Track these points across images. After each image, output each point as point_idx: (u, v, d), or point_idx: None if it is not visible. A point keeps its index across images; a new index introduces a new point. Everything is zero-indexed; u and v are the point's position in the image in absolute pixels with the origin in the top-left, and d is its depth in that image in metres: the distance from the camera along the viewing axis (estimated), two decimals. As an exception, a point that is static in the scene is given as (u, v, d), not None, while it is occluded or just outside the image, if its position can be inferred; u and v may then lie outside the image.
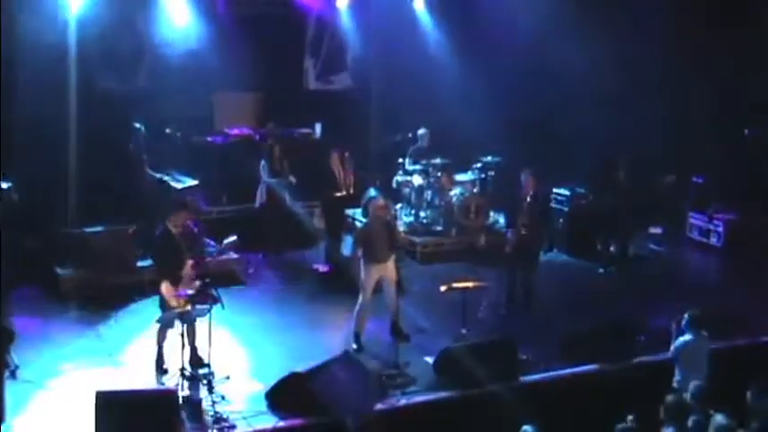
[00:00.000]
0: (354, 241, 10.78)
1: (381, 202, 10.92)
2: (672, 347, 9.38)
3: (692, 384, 8.10)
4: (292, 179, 13.57)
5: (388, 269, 10.53)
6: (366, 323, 10.56)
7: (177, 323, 9.41)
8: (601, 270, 13.23)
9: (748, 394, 7.81)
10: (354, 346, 10.39)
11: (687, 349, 9.27)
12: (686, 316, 9.30)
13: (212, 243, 12.36)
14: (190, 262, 9.61)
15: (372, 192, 11.78)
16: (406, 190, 14.39)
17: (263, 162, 13.41)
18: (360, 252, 10.52)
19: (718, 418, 7.41)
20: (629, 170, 13.23)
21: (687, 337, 9.27)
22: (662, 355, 9.81)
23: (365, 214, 10.40)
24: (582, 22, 14.13)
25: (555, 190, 14.15)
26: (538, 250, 11.72)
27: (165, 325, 9.56)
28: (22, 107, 11.95)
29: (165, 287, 9.47)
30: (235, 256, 12.48)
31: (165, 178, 12.81)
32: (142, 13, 13.39)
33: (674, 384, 9.18)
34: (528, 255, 11.41)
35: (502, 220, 13.11)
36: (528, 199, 11.33)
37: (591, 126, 14.17)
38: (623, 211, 13.27)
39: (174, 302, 9.41)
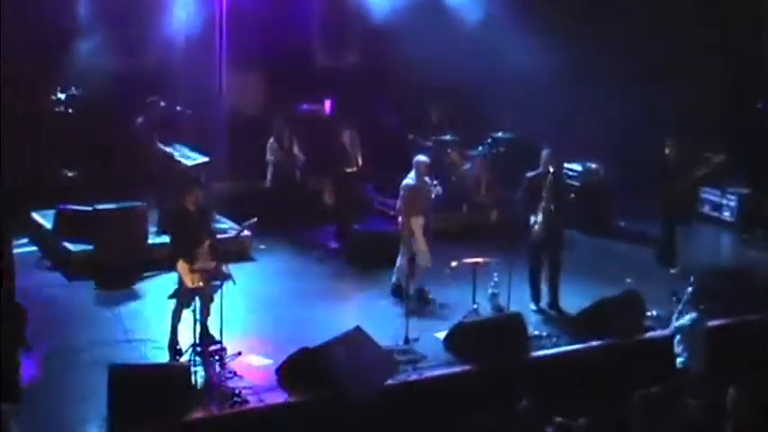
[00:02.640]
0: (401, 195, 11.14)
1: (427, 160, 11.29)
2: (673, 325, 9.40)
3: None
4: (301, 156, 13.57)
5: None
6: (423, 276, 11.03)
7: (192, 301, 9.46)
8: (673, 271, 12.15)
9: None
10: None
11: (690, 329, 9.28)
12: (688, 293, 9.31)
13: (232, 224, 12.34)
14: (207, 241, 9.59)
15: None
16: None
17: (271, 140, 13.40)
18: (404, 205, 11.00)
19: (731, 393, 7.41)
20: (679, 152, 12.31)
21: (690, 316, 9.27)
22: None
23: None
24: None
25: (566, 165, 14.09)
26: (563, 228, 11.34)
27: (180, 303, 9.56)
28: (34, 87, 11.98)
29: (180, 265, 9.46)
30: (248, 233, 12.47)
31: (175, 154, 12.81)
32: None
33: (679, 365, 9.18)
34: (557, 234, 11.05)
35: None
36: (549, 178, 10.90)
37: (604, 101, 14.10)
38: (679, 197, 12.37)
39: (188, 281, 9.40)
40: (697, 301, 9.32)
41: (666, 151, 12.33)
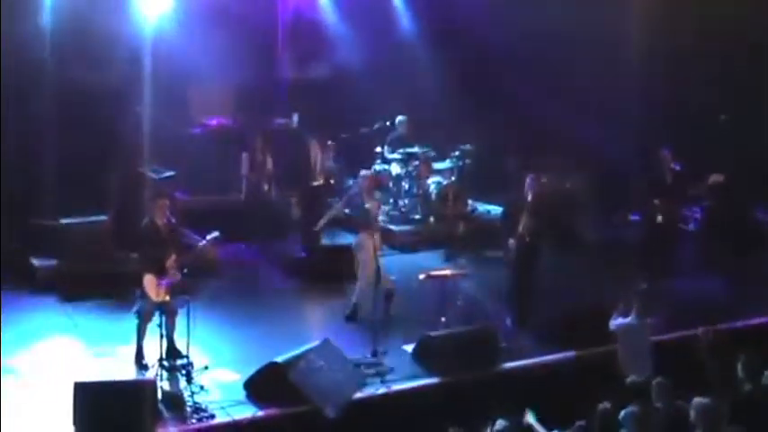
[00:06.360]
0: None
1: (367, 173, 11.39)
2: (611, 326, 9.50)
3: (655, 383, 7.98)
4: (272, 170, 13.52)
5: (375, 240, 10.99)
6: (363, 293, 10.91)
7: (156, 315, 9.37)
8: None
9: (738, 366, 7.86)
10: (348, 311, 10.85)
11: (626, 332, 9.38)
12: (631, 298, 9.43)
13: (196, 237, 12.23)
14: (173, 256, 9.51)
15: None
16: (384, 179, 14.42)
17: (245, 154, 13.35)
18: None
19: (698, 399, 7.39)
20: (673, 169, 12.16)
21: (628, 319, 9.37)
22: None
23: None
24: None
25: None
26: (540, 250, 11.25)
27: (143, 318, 9.49)
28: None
29: (147, 279, 9.39)
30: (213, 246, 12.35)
31: (141, 169, 12.69)
32: (116, 5, 13.25)
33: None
34: (533, 254, 11.00)
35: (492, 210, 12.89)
36: (530, 202, 10.90)
37: (567, 112, 14.18)
38: (674, 222, 12.41)
39: (153, 294, 9.36)
40: (643, 308, 9.43)
41: (661, 166, 12.19)
